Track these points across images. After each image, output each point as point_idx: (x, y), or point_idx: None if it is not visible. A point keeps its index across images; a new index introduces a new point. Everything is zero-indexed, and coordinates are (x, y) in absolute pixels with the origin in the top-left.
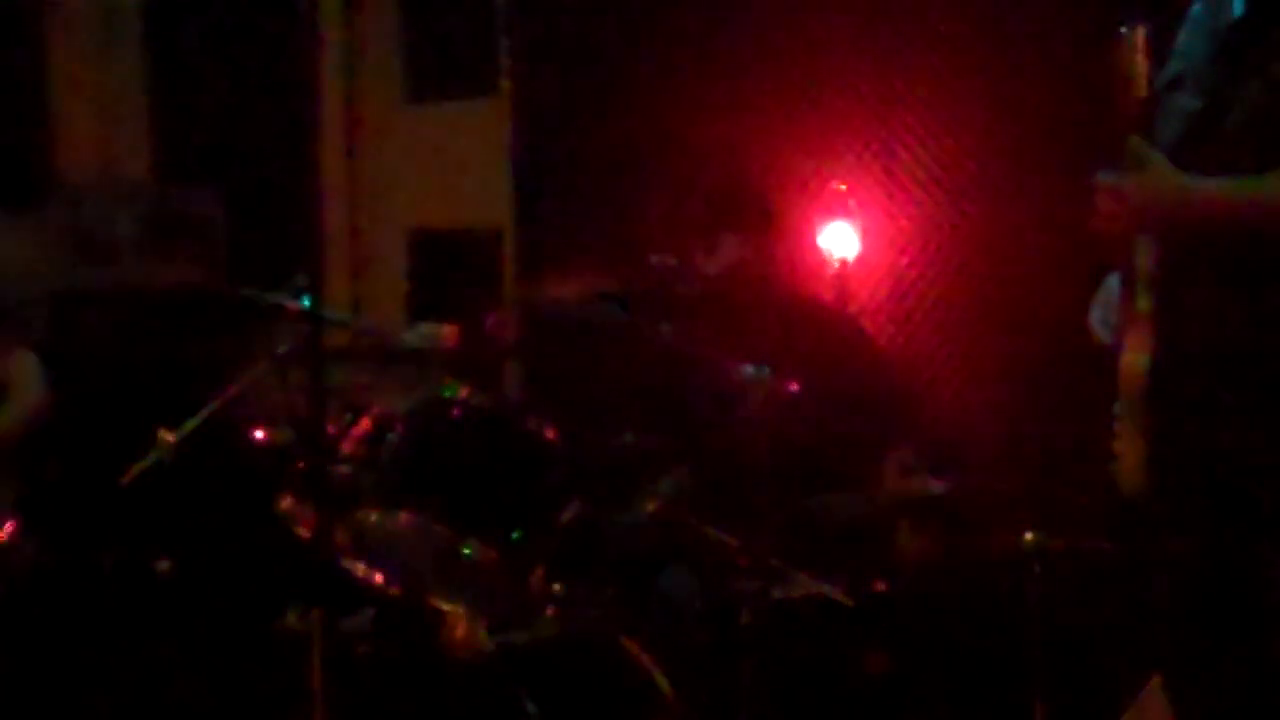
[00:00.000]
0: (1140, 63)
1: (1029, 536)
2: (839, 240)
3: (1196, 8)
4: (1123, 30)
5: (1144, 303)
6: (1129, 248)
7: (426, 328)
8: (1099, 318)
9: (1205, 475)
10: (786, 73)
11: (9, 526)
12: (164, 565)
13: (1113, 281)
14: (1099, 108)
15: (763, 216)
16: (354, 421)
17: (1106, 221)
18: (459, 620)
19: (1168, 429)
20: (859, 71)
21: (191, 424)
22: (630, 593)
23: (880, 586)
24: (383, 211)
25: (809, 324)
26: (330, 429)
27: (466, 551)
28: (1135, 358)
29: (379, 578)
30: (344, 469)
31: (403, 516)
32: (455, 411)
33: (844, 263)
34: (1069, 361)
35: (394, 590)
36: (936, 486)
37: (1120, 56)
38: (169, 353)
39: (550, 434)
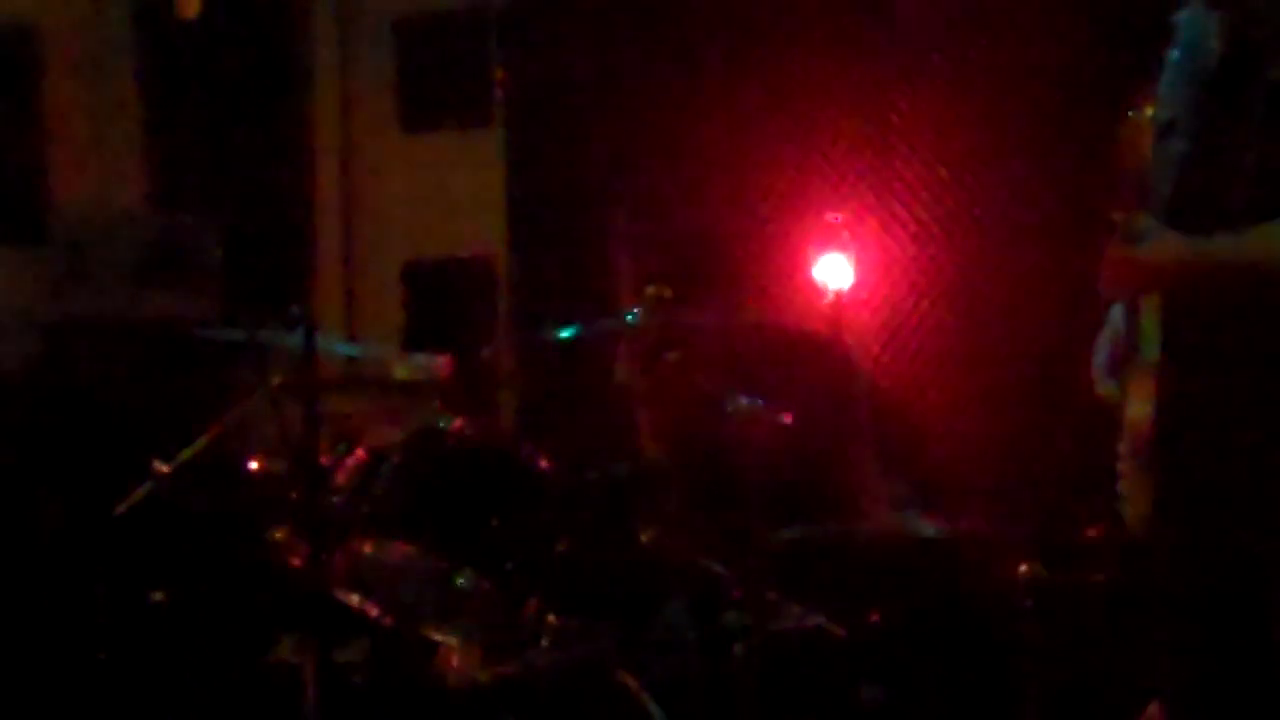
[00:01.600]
0: (1148, 144)
1: (1023, 569)
2: (833, 271)
3: (1174, 53)
4: (1131, 114)
5: (1150, 353)
6: (1134, 301)
7: (420, 358)
8: (1103, 365)
9: (1213, 524)
10: (781, 104)
11: None
12: (158, 596)
13: (1115, 316)
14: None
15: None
16: (348, 452)
17: (1115, 285)
18: (453, 651)
19: (1175, 479)
20: (854, 104)
21: (186, 455)
22: (624, 624)
23: (874, 618)
24: (377, 242)
25: (802, 357)
26: (324, 460)
27: (460, 582)
28: (1140, 409)
29: (373, 608)
30: (338, 500)
31: (397, 547)
32: (449, 442)
33: (838, 294)
34: (1064, 393)
35: (388, 621)
36: (930, 520)
37: (1130, 136)
38: (163, 384)
39: (544, 465)
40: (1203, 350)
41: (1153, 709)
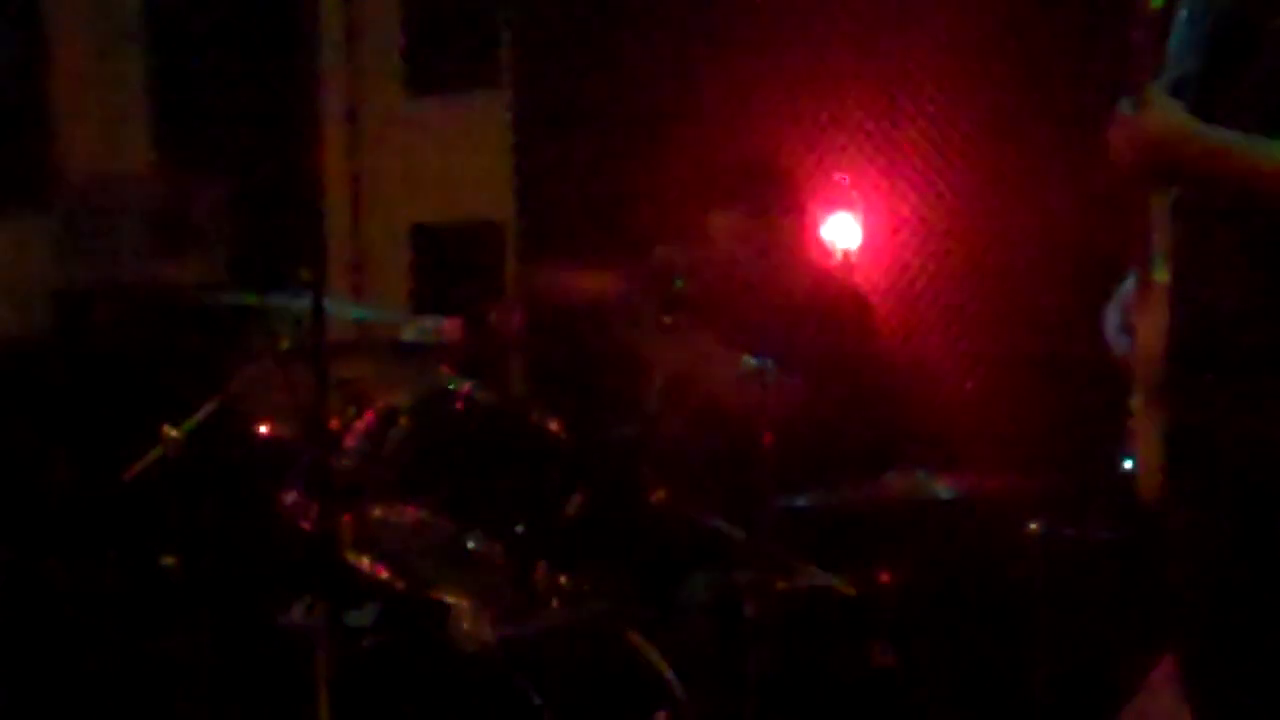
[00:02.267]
0: None
1: (1034, 526)
2: (841, 232)
3: (1183, 13)
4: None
5: (1161, 274)
6: (1145, 221)
7: (429, 321)
8: (1116, 327)
9: (1227, 465)
10: (789, 63)
11: None
12: (169, 561)
13: (1128, 285)
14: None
15: (775, 181)
16: (357, 416)
17: (1119, 154)
18: (464, 613)
19: (1186, 414)
20: (860, 62)
21: (195, 420)
22: (635, 586)
23: (884, 578)
24: (385, 205)
25: (815, 316)
26: (333, 423)
27: (471, 545)
28: (1152, 333)
29: (383, 572)
30: (347, 463)
31: (407, 510)
32: (459, 405)
33: (846, 254)
34: (1076, 351)
35: (399, 584)
36: (941, 479)
37: None
38: (171, 349)
39: (554, 427)
40: (1212, 265)
41: (1166, 665)
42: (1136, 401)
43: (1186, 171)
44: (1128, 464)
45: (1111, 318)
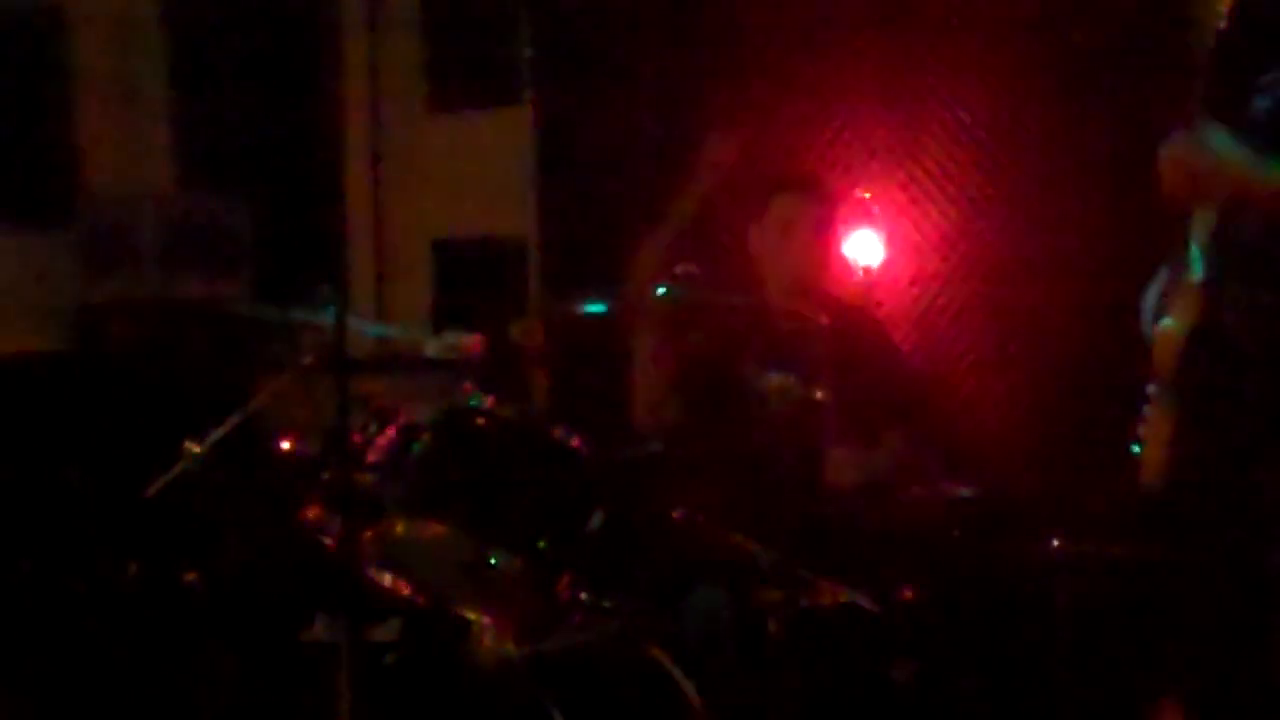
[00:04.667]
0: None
1: (1056, 543)
2: (863, 248)
3: None
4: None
5: (1197, 272)
6: (1185, 221)
7: (451, 337)
8: (1151, 310)
9: (1230, 459)
10: (810, 80)
11: None
12: (190, 576)
13: (1163, 274)
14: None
15: (810, 177)
16: (379, 431)
17: (1171, 187)
18: (485, 630)
19: (1198, 401)
20: (882, 78)
21: (217, 435)
22: (657, 602)
23: (907, 594)
24: (407, 221)
25: (837, 332)
26: (356, 439)
27: (493, 561)
28: (1176, 325)
29: (405, 587)
30: (370, 479)
31: (429, 526)
32: (481, 421)
33: (868, 270)
34: (1095, 366)
35: (420, 600)
36: (965, 492)
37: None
38: (194, 363)
39: (576, 443)
40: (1247, 273)
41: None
42: (1154, 389)
43: (1238, 198)
44: (1135, 448)
45: (1149, 301)
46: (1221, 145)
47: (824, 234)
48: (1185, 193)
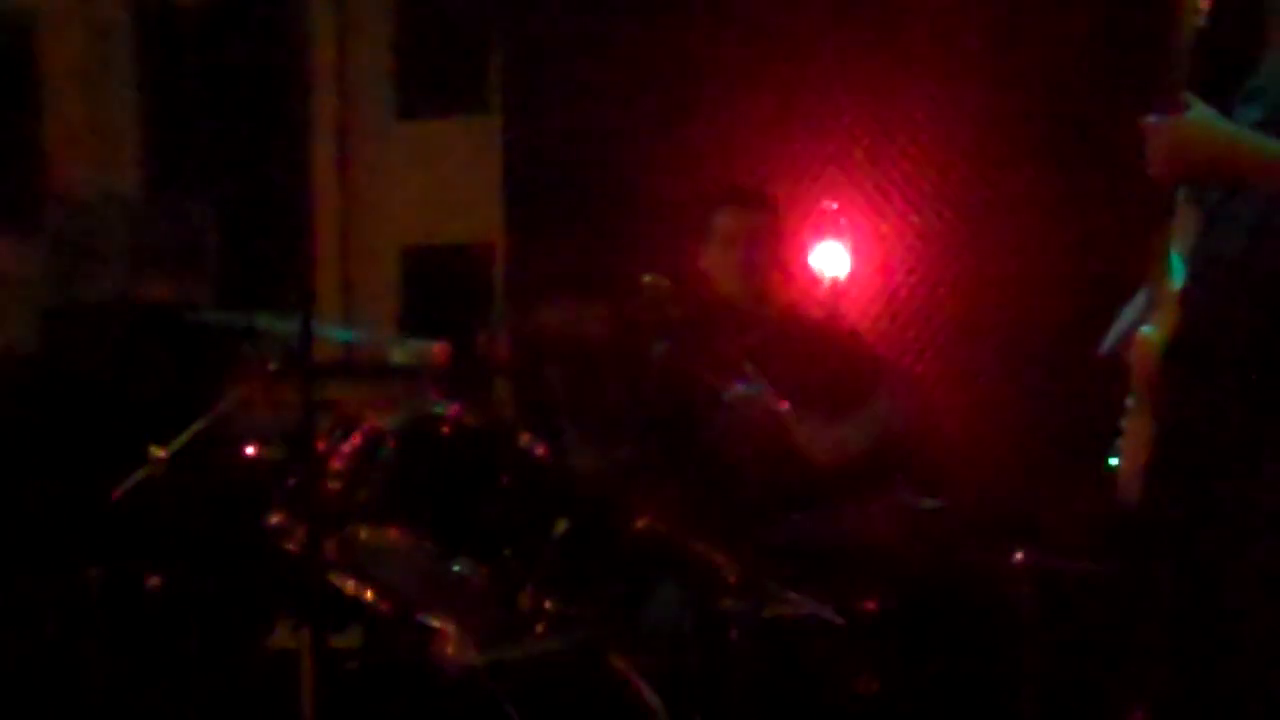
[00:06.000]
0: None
1: (1019, 556)
2: (830, 259)
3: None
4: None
5: (1176, 281)
6: (1164, 231)
7: (417, 344)
8: (1119, 331)
9: (1206, 470)
10: (778, 90)
11: None
12: (153, 581)
13: (1139, 299)
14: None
15: (748, 190)
16: (344, 438)
17: (1156, 161)
18: (449, 637)
19: (1175, 410)
20: (849, 88)
21: (182, 440)
22: (620, 611)
23: (871, 605)
24: (374, 227)
25: (802, 340)
26: (320, 445)
27: (456, 568)
28: (1154, 333)
29: (369, 594)
30: (334, 485)
31: (393, 533)
32: (446, 428)
33: (835, 281)
34: (1063, 378)
35: (384, 607)
36: (929, 504)
37: None
38: (160, 368)
39: (541, 451)
40: (1229, 278)
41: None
42: (1131, 401)
43: (1224, 171)
44: (1112, 461)
45: (1119, 323)
46: (1211, 120)
47: (768, 245)
48: (1174, 171)
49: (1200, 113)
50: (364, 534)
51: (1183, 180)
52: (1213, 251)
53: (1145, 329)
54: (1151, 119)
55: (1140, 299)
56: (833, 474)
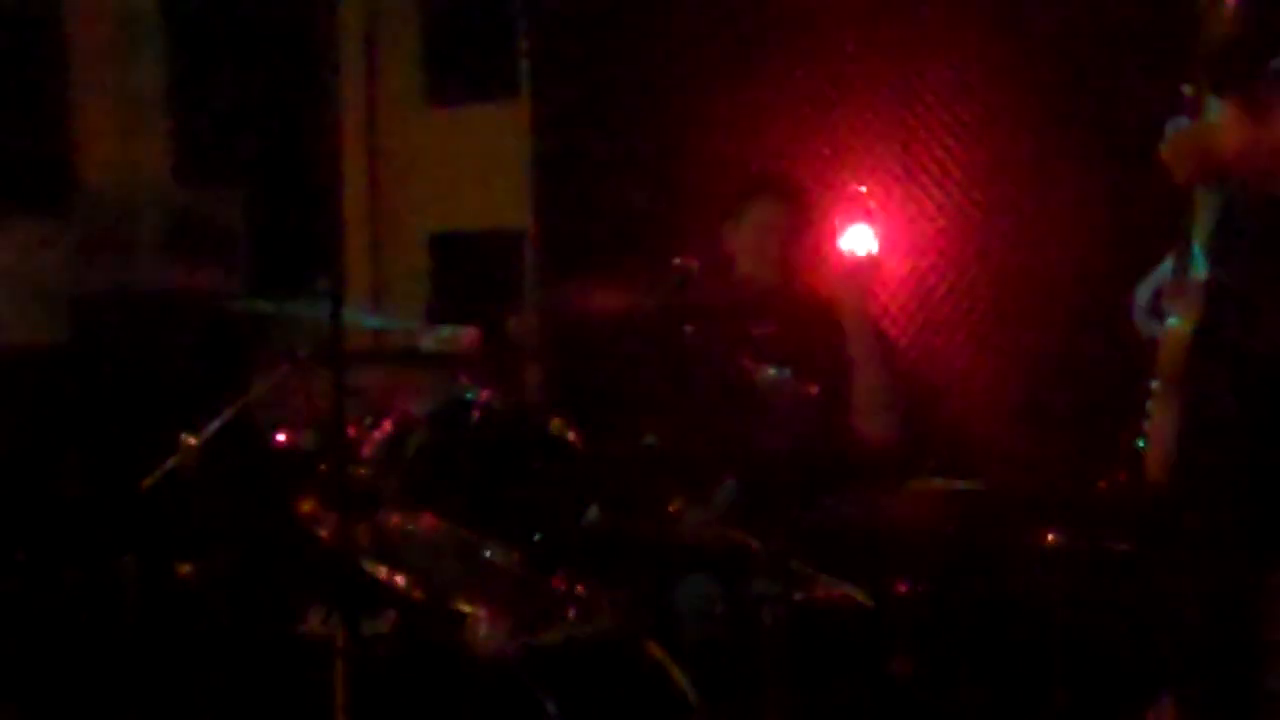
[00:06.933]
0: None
1: (1051, 538)
2: (858, 243)
3: None
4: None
5: (1199, 270)
6: (1188, 218)
7: (448, 330)
8: (1146, 305)
9: (1233, 457)
10: (805, 74)
11: None
12: (185, 569)
13: (1164, 269)
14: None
15: (790, 182)
16: (375, 424)
17: (1177, 162)
18: (481, 622)
19: (1202, 401)
20: (877, 72)
21: (213, 428)
22: (652, 595)
23: (902, 588)
24: (403, 214)
25: (828, 326)
26: (351, 432)
27: (488, 554)
28: (1181, 324)
29: (401, 580)
30: (365, 472)
31: (424, 519)
32: (476, 414)
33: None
34: (1093, 360)
35: (416, 593)
36: (960, 486)
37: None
38: (190, 356)
39: (572, 436)
40: (1249, 272)
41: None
42: (1157, 386)
43: (1242, 169)
44: (1140, 444)
45: (1142, 295)
46: (1228, 120)
47: (799, 236)
48: (1194, 170)
49: (1220, 116)
50: (395, 520)
51: (1203, 182)
52: (1232, 241)
53: (1171, 320)
54: (1174, 123)
55: (1157, 271)
56: (865, 456)
